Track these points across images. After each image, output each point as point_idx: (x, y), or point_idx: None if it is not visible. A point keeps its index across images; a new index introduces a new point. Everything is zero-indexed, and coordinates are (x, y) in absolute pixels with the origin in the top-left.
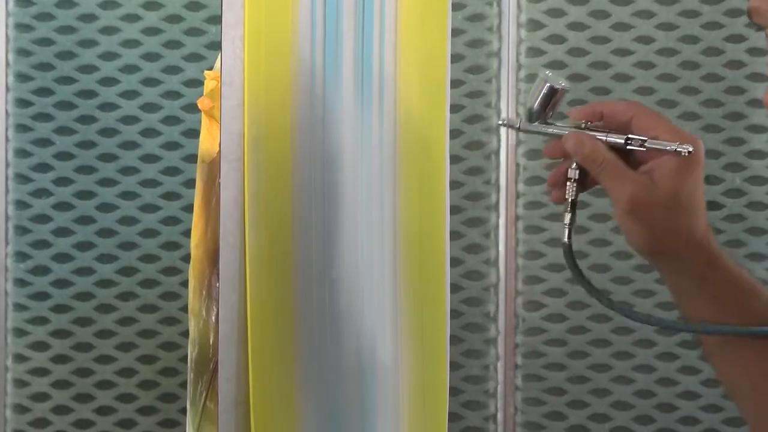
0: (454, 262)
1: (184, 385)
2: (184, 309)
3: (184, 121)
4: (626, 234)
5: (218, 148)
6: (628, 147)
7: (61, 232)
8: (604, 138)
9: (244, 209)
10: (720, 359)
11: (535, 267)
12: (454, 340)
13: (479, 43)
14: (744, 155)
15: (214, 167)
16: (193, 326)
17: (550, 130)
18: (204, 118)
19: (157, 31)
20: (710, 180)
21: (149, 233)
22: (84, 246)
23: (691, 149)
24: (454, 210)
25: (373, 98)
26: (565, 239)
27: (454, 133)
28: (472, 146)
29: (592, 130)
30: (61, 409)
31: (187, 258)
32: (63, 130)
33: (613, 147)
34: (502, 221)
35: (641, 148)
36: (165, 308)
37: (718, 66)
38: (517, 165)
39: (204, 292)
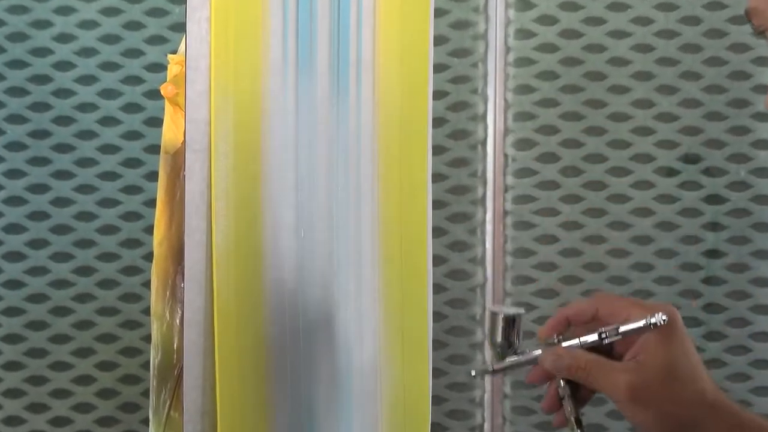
0: (438, 260)
1: (146, 393)
2: (146, 311)
3: (146, 108)
4: (638, 424)
5: (183, 138)
6: (605, 341)
7: (13, 228)
8: (578, 342)
9: (211, 203)
10: None
11: (524, 266)
12: (438, 344)
13: (464, 24)
14: (749, 145)
15: (178, 158)
16: (155, 330)
17: (523, 359)
18: (167, 106)
19: (116, 11)
20: (713, 172)
21: (108, 230)
22: (37, 244)
23: (665, 317)
24: (437, 204)
25: (349, 84)
26: None
27: (437, 122)
28: (456, 136)
29: (565, 341)
30: (12, 420)
31: (149, 256)
32: (14, 119)
33: (591, 348)
34: (489, 216)
35: (617, 337)
36: (125, 310)
37: (721, 50)
38: (506, 156)
39: (168, 293)
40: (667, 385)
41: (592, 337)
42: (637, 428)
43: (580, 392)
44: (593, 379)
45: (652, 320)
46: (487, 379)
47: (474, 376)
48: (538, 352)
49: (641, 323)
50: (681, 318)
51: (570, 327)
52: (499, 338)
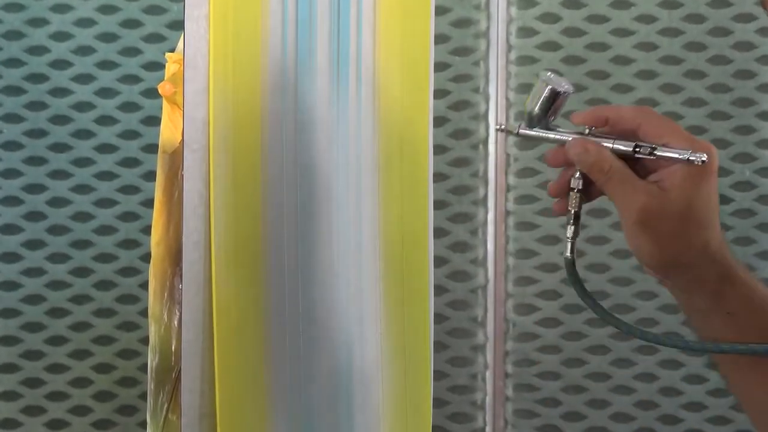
0: (439, 261)
1: (143, 396)
2: (144, 313)
3: (144, 107)
4: (635, 247)
5: (181, 137)
6: (637, 155)
7: (9, 229)
8: (611, 145)
9: (210, 204)
10: (737, 378)
11: (526, 267)
12: (439, 346)
13: (466, 22)
14: (754, 144)
15: (176, 158)
16: (153, 332)
17: (551, 136)
18: (165, 105)
19: (113, 9)
20: (718, 172)
21: (105, 230)
22: (34, 244)
23: (705, 158)
24: (439, 205)
25: (350, 82)
26: (568, 254)
27: (438, 121)
28: (458, 135)
29: (597, 137)
30: (8, 423)
31: (146, 257)
32: (11, 118)
33: (620, 155)
34: (490, 217)
35: (651, 157)
36: (123, 312)
37: (725, 48)
38: (507, 155)
39: (166, 295)
40: (678, 222)
41: (626, 146)
42: (633, 250)
43: (589, 189)
44: (611, 186)
45: (692, 157)
46: (489, 380)
47: (497, 129)
48: (568, 137)
49: (680, 155)
50: (717, 164)
51: (606, 127)
52: (536, 106)
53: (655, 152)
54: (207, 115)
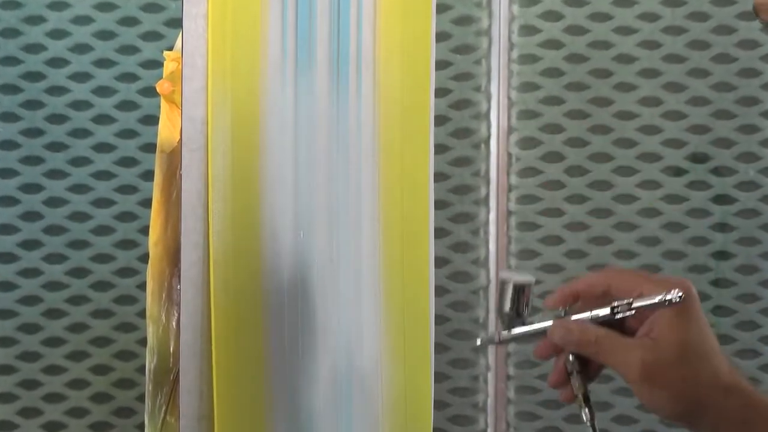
0: (440, 262)
1: (141, 398)
2: (142, 314)
3: (142, 106)
4: (649, 403)
5: (179, 137)
6: (617, 316)
7: (5, 229)
8: (590, 316)
9: (208, 203)
10: None
11: (529, 268)
12: (440, 348)
13: (467, 20)
14: (758, 144)
15: (174, 157)
16: (151, 333)
17: (532, 330)
18: (163, 103)
19: (111, 6)
20: (721, 171)
21: (103, 230)
22: (30, 244)
23: (681, 294)
24: (439, 205)
25: (350, 81)
26: None
27: (440, 120)
28: (459, 134)
29: (574, 313)
30: (4, 425)
31: (144, 258)
32: (6, 116)
33: (603, 321)
34: (492, 217)
35: (630, 312)
36: (120, 313)
37: (729, 46)
38: (509, 155)
39: (164, 296)
40: (681, 365)
41: (604, 311)
42: (647, 407)
43: (588, 368)
44: (604, 355)
45: (668, 297)
46: (490, 382)
47: (479, 345)
48: (547, 324)
49: (656, 299)
50: (696, 294)
51: (578, 302)
52: (507, 307)
53: (633, 306)
54: (205, 114)
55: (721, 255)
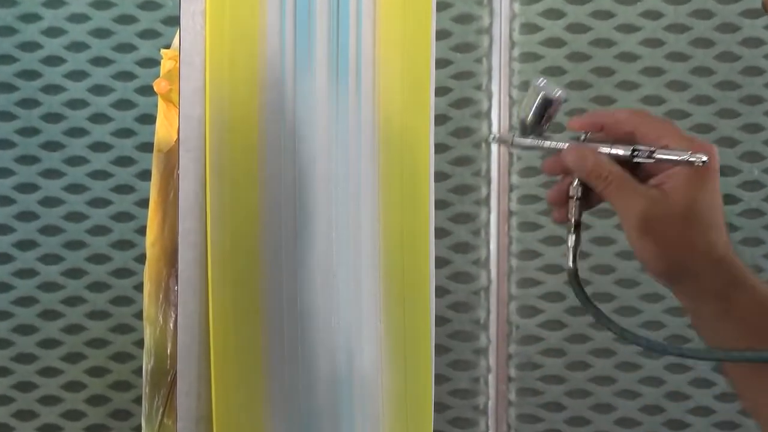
0: (440, 262)
1: (138, 400)
2: (139, 315)
3: (138, 105)
4: (639, 254)
5: (176, 136)
6: (635, 159)
7: (0, 229)
8: (608, 150)
9: (206, 204)
10: (747, 388)
11: (530, 268)
12: (440, 349)
13: (468, 18)
14: (762, 143)
15: (171, 157)
16: (148, 334)
17: (546, 144)
18: (160, 102)
19: (107, 4)
20: (725, 171)
21: (99, 230)
22: (26, 245)
23: (705, 159)
24: (440, 205)
25: (349, 80)
26: (570, 264)
27: (440, 119)
28: (459, 133)
29: (594, 143)
30: (0, 428)
31: (141, 258)
32: (2, 116)
33: (619, 160)
34: (493, 217)
35: (650, 160)
36: (117, 314)
37: (733, 44)
38: (510, 154)
39: (161, 297)
40: (681, 226)
41: (624, 151)
42: (636, 257)
43: (589, 196)
44: (611, 192)
45: (692, 158)
46: (491, 384)
47: (491, 140)
48: (563, 144)
49: (679, 156)
50: (718, 164)
51: (602, 132)
52: (529, 115)
53: (654, 155)
54: (203, 114)
55: None
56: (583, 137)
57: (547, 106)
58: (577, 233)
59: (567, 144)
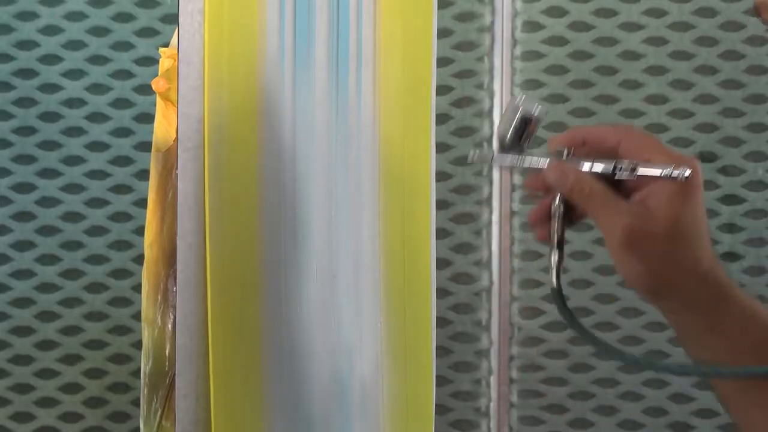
0: (441, 263)
1: (136, 402)
2: (137, 316)
3: (136, 104)
4: (622, 271)
5: (175, 135)
6: (618, 175)
7: None
8: (590, 166)
9: (204, 204)
10: (737, 404)
11: (532, 269)
12: (441, 351)
13: (469, 15)
14: (767, 143)
15: (170, 156)
16: (146, 336)
17: (527, 162)
18: (159, 101)
19: (105, 2)
20: (729, 171)
21: (97, 231)
22: (23, 245)
23: (688, 173)
24: (441, 205)
25: (349, 78)
26: (554, 282)
27: (441, 118)
28: (461, 133)
29: (576, 159)
30: None
31: (139, 259)
32: None
33: (601, 176)
34: (495, 217)
35: (632, 175)
36: (115, 316)
37: (738, 43)
38: None
39: (159, 298)
40: (665, 242)
41: (606, 166)
42: (619, 274)
43: (571, 214)
44: (593, 209)
45: (675, 172)
46: (493, 386)
47: (470, 160)
48: (546, 161)
49: (662, 171)
50: (702, 178)
51: (584, 148)
52: (509, 133)
53: (636, 170)
54: (202, 113)
55: (730, 256)
56: (565, 154)
57: (526, 123)
58: (561, 251)
59: (548, 161)
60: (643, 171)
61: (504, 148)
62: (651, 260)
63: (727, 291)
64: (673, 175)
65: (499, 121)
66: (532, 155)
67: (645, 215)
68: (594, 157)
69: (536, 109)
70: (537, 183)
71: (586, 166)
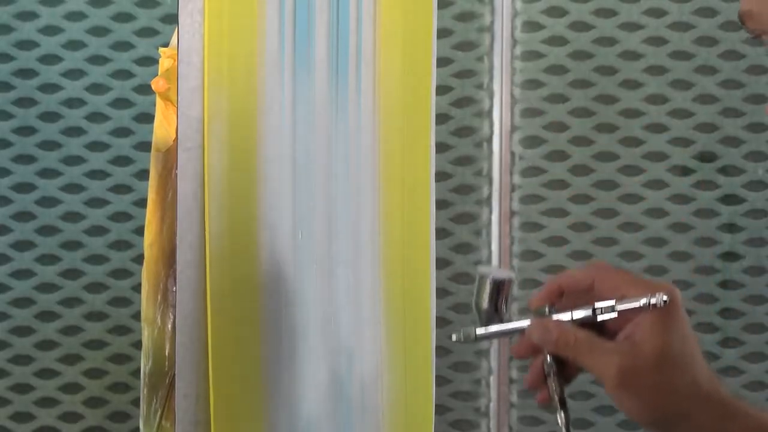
0: (441, 263)
1: (136, 402)
2: (137, 316)
3: (136, 104)
4: (623, 409)
5: (175, 135)
6: (599, 318)
7: None
8: (570, 317)
9: (204, 204)
10: None
11: (532, 269)
12: (441, 351)
13: (469, 15)
14: (767, 143)
15: (170, 156)
16: (146, 336)
17: (510, 328)
18: (159, 101)
19: (105, 2)
20: (729, 171)
21: (96, 231)
22: (23, 245)
23: (666, 298)
24: (441, 205)
25: (349, 78)
26: None
27: (441, 118)
28: (461, 132)
29: (557, 313)
30: None
31: (139, 259)
32: None
33: (584, 323)
34: (494, 217)
35: (613, 314)
36: (115, 316)
37: (738, 43)
38: (512, 154)
39: (159, 298)
40: (660, 373)
41: (585, 312)
42: (623, 412)
43: (566, 369)
44: (582, 357)
45: (653, 300)
46: (493, 385)
47: (456, 341)
48: (526, 322)
49: (640, 303)
50: (681, 300)
51: (563, 297)
52: (485, 303)
53: (615, 308)
54: (202, 113)
55: (729, 256)
56: (547, 310)
57: (499, 289)
58: (565, 409)
59: (528, 321)
60: (621, 307)
61: (485, 319)
62: (649, 393)
63: (733, 407)
64: (652, 303)
65: (474, 296)
66: (512, 321)
67: (633, 351)
68: (573, 307)
69: (504, 274)
70: (524, 347)
71: (566, 317)
